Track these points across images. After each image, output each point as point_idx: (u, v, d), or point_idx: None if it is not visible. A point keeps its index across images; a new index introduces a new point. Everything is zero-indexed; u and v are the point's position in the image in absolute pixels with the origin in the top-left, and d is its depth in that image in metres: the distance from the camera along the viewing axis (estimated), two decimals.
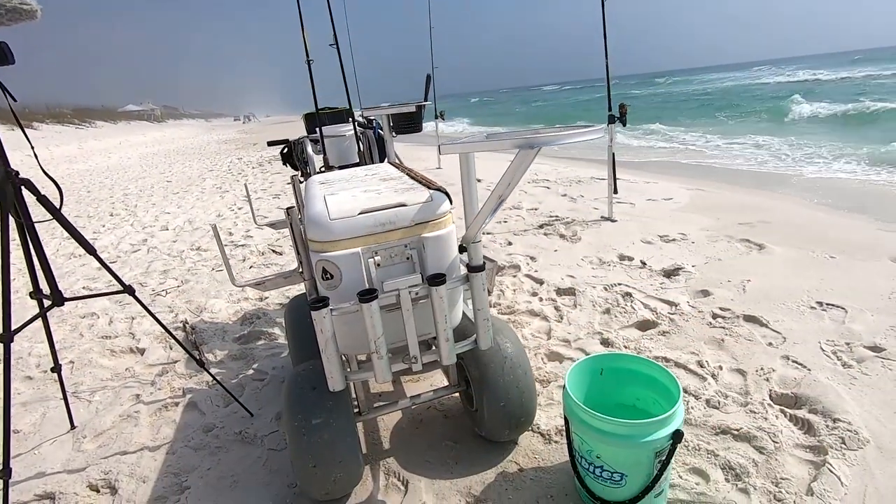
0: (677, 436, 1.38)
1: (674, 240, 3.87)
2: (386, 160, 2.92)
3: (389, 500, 1.72)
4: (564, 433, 1.70)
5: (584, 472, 1.54)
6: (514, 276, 3.48)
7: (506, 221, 4.87)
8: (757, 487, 1.57)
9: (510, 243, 4.16)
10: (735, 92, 25.66)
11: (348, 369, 1.55)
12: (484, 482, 1.74)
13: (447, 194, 1.52)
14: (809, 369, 2.11)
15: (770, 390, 2.02)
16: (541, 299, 3.07)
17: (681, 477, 1.65)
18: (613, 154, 4.46)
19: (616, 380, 1.70)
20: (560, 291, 3.16)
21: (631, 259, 3.55)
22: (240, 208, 6.97)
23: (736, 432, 1.81)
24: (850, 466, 1.61)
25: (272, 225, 2.87)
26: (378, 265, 1.44)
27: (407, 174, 1.81)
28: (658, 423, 1.37)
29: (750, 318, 2.57)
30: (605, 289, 3.11)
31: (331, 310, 1.35)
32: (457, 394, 2.02)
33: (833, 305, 2.63)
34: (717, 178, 6.52)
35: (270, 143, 3.06)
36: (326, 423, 1.52)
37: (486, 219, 1.31)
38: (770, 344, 2.34)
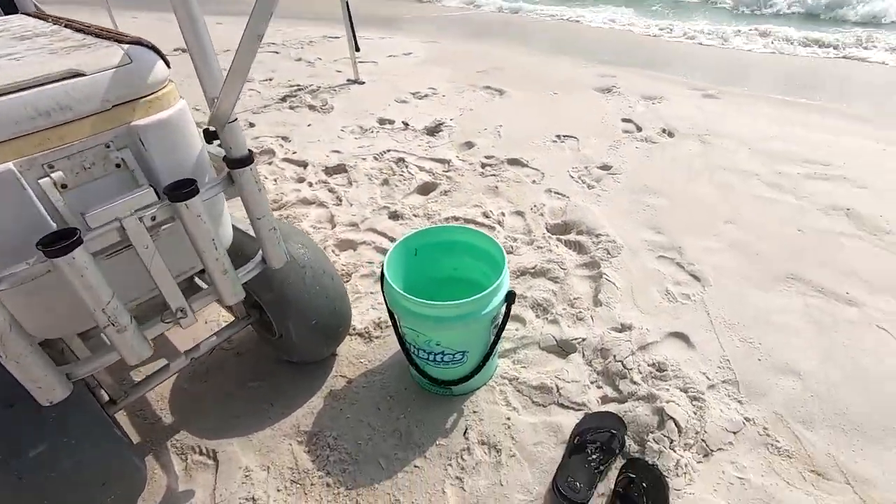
0: (510, 297, 1.33)
1: (426, 95, 3.77)
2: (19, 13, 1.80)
3: (199, 483, 1.32)
4: (391, 326, 1.52)
5: (424, 363, 1.42)
6: (270, 164, 2.91)
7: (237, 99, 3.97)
8: (561, 314, 1.73)
9: (252, 124, 3.43)
10: None
11: (70, 361, 0.98)
12: (313, 412, 1.48)
13: (157, 51, 0.93)
14: (568, 196, 2.38)
15: (545, 224, 2.21)
16: (310, 184, 2.66)
17: None
18: (348, 4, 3.89)
19: (430, 256, 1.55)
20: (329, 171, 2.78)
21: (392, 122, 3.34)
22: None
23: (532, 270, 1.93)
24: (616, 270, 1.90)
25: None
26: (63, 187, 0.83)
27: (67, 27, 1.08)
28: (492, 292, 1.28)
29: (513, 161, 2.73)
30: (376, 158, 2.86)
31: None
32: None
33: (567, 136, 2.99)
34: (444, 29, 6.59)
35: None
36: (55, 447, 0.97)
37: (241, 83, 0.83)
38: (534, 181, 2.54)
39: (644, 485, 1.19)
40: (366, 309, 1.82)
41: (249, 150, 0.98)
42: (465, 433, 1.39)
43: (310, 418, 1.46)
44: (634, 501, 1.18)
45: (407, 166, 2.74)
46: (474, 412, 1.44)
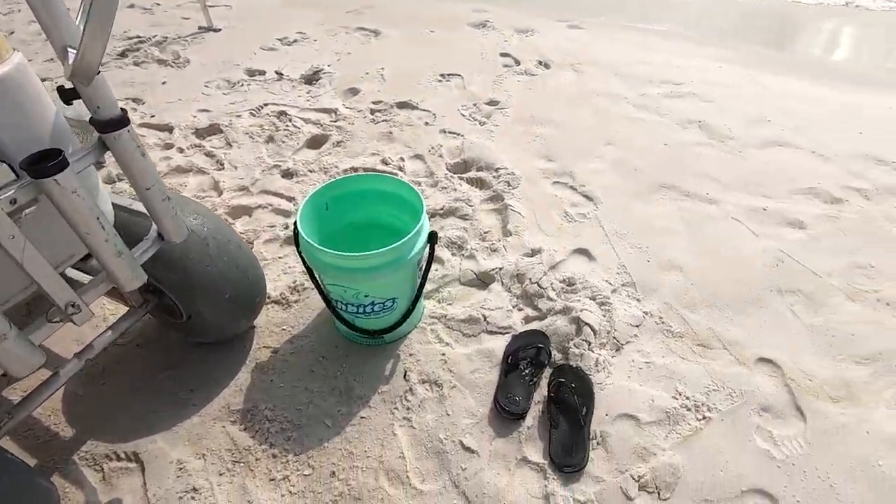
0: (433, 238, 1.34)
1: (296, 41, 3.47)
2: None
3: (123, 490, 1.21)
4: (312, 287, 1.47)
5: (353, 317, 1.39)
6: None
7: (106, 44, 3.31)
8: (476, 248, 1.79)
9: None
10: None
11: None
12: (241, 388, 1.40)
13: None
14: (463, 135, 2.40)
15: (446, 164, 2.22)
16: (181, 150, 2.36)
17: None
18: None
19: (343, 208, 1.49)
20: (201, 133, 2.48)
21: (263, 73, 3.04)
22: None
23: (442, 211, 1.96)
24: (518, 201, 2.00)
25: None
26: None
27: None
28: (416, 235, 1.28)
29: (403, 105, 2.66)
30: (253, 114, 2.61)
31: None
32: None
33: (452, 75, 2.98)
34: None
35: None
36: None
37: (111, 20, 0.68)
38: (427, 123, 2.51)
39: (573, 385, 1.33)
40: (277, 275, 1.72)
41: (122, 108, 0.83)
42: (405, 376, 1.42)
43: (239, 396, 1.39)
44: (566, 401, 1.31)
45: (291, 120, 2.54)
46: (410, 355, 1.47)
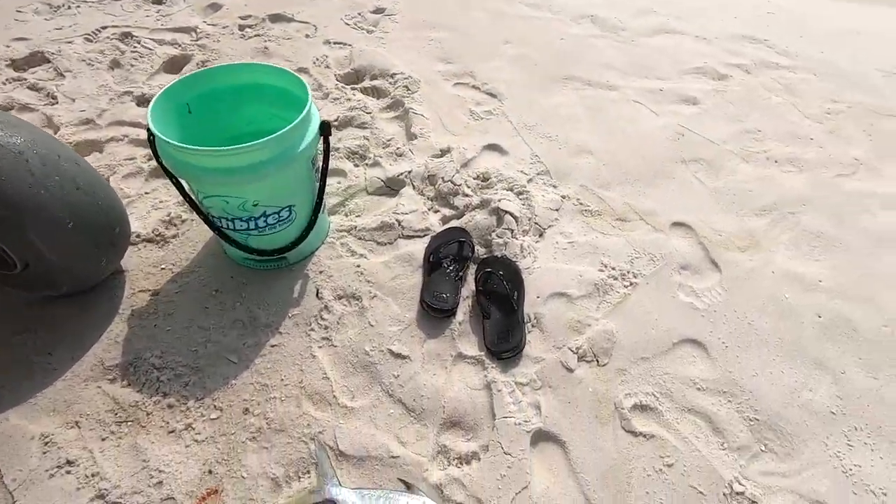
0: (325, 129, 1.15)
1: None
2: None
3: None
4: (189, 209, 1.23)
5: (245, 235, 1.18)
6: None
7: None
8: (380, 155, 1.62)
9: None
10: None
11: None
12: (116, 341, 1.16)
13: None
14: (351, 45, 2.15)
15: (335, 75, 1.98)
16: (4, 84, 1.88)
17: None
18: None
19: (210, 111, 1.23)
20: (20, 65, 1.99)
21: None
22: None
23: (337, 122, 1.74)
24: (420, 104, 1.83)
25: None
26: None
27: None
28: (303, 123, 1.08)
29: (276, 18, 2.32)
30: (89, 39, 2.14)
31: None
32: None
33: None
34: None
35: None
36: None
37: None
38: (308, 35, 2.21)
39: (500, 273, 1.25)
40: (146, 212, 1.44)
41: None
42: (317, 295, 1.26)
43: (115, 349, 1.14)
44: (496, 290, 1.24)
45: (140, 41, 2.11)
46: (320, 272, 1.30)
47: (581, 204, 1.51)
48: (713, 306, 1.27)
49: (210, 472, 0.99)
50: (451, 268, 1.28)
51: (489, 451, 1.02)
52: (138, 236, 1.36)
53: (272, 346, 1.17)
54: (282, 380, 1.12)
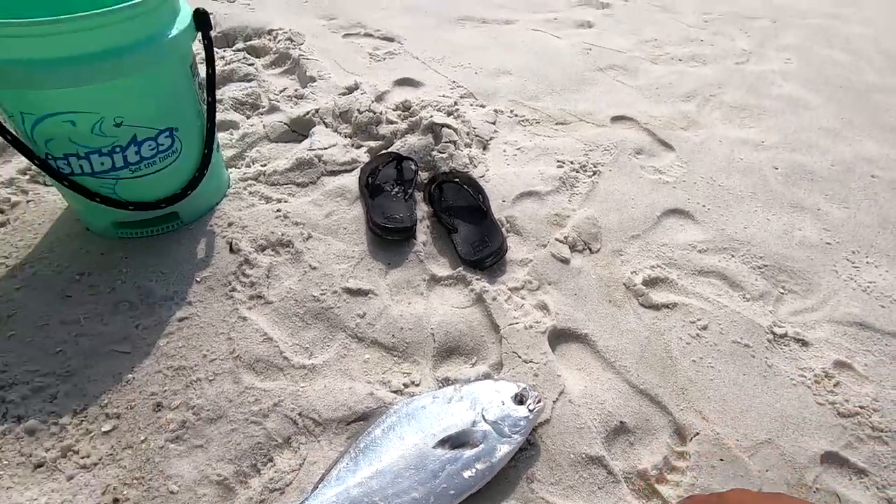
0: (201, 16, 0.88)
1: None
2: None
3: None
4: (24, 186, 0.89)
5: (111, 183, 0.85)
6: None
7: None
8: (277, 100, 1.35)
9: None
10: None
11: None
12: None
13: None
14: (212, 13, 1.85)
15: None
16: None
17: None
18: None
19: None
20: None
21: None
22: None
23: (218, 77, 1.44)
24: (312, 52, 1.59)
25: None
26: None
27: None
28: (162, 3, 0.80)
29: None
30: None
31: None
32: None
33: None
34: None
35: None
36: None
37: None
38: None
39: (456, 180, 1.06)
40: None
41: None
42: (231, 249, 0.95)
43: None
44: (456, 202, 1.04)
45: None
46: (230, 224, 1.00)
47: (516, 116, 1.38)
48: (680, 177, 1.19)
49: (116, 500, 0.65)
50: (396, 189, 1.05)
51: (505, 366, 0.80)
52: None
53: (180, 320, 0.85)
54: (204, 356, 0.80)
